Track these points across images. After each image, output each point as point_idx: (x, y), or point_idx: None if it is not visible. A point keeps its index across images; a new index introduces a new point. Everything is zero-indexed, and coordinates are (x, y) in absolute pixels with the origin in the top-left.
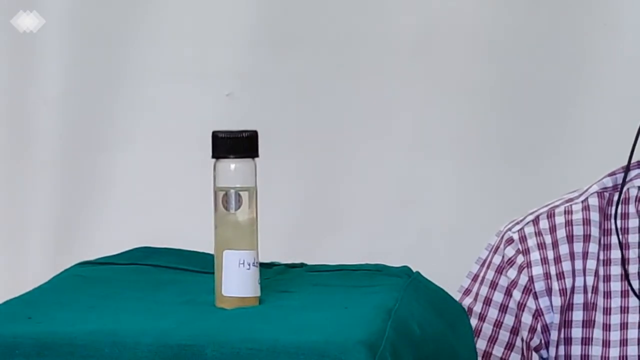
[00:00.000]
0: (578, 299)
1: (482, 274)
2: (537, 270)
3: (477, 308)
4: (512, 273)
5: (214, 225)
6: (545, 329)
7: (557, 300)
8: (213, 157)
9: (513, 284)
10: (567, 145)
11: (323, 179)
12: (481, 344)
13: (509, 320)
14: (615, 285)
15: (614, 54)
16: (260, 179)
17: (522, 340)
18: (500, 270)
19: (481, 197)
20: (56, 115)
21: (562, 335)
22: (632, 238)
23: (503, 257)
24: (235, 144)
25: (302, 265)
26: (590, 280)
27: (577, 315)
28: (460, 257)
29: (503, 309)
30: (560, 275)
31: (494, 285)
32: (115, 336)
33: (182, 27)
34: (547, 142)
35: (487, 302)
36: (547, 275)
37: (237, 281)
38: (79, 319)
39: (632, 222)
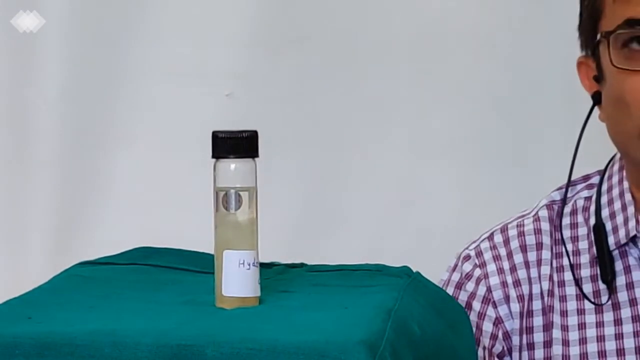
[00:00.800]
0: (536, 305)
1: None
2: (494, 280)
3: None
4: (470, 286)
5: (214, 225)
6: (507, 336)
7: (515, 307)
8: (213, 157)
9: (472, 295)
10: (568, 146)
11: (323, 179)
12: None
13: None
14: (570, 290)
15: None
16: (260, 179)
17: (484, 348)
18: (459, 286)
19: (481, 197)
20: (56, 115)
21: (524, 342)
22: (582, 245)
23: (461, 273)
24: (235, 144)
25: (302, 265)
26: (545, 285)
27: (537, 321)
28: None
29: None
30: (517, 283)
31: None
32: (115, 336)
33: (182, 27)
34: (548, 142)
35: None
36: (504, 284)
37: (237, 281)
38: (79, 319)
39: (581, 230)
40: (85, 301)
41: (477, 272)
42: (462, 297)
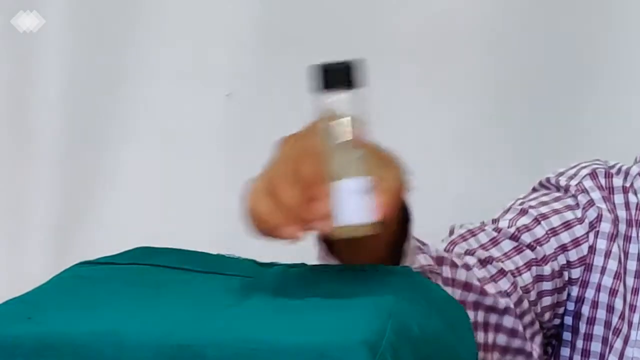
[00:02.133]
0: (630, 265)
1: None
2: (605, 212)
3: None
4: (583, 199)
5: (326, 156)
6: (589, 268)
7: (616, 248)
8: (320, 89)
9: (586, 204)
10: (570, 144)
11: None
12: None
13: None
14: None
15: (618, 52)
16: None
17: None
18: (566, 190)
19: (482, 197)
20: (56, 115)
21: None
22: None
23: (568, 191)
24: (343, 76)
25: (302, 265)
26: (636, 248)
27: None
28: None
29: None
30: (619, 234)
31: (557, 198)
32: (116, 336)
33: (183, 27)
34: (550, 141)
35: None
36: (614, 222)
37: (351, 209)
38: (79, 319)
39: None
40: (86, 301)
41: (585, 198)
42: (567, 200)
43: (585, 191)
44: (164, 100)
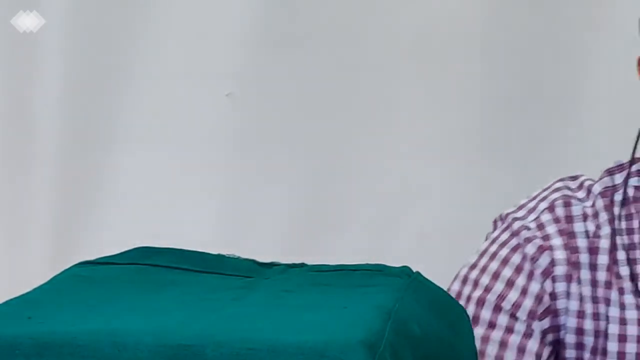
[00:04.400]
0: (595, 292)
1: (492, 250)
2: (559, 254)
3: (484, 280)
4: (530, 249)
5: None
6: (557, 313)
7: (575, 288)
8: None
9: (533, 258)
10: (569, 146)
11: (323, 179)
12: (485, 313)
13: (515, 291)
14: (627, 284)
15: (613, 55)
16: (259, 179)
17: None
18: (516, 249)
19: (482, 197)
20: (57, 115)
21: (576, 325)
22: (637, 238)
23: (519, 239)
24: None
25: (302, 265)
26: (603, 276)
27: (591, 308)
28: (460, 257)
29: (510, 283)
30: (579, 265)
31: (505, 261)
32: (116, 336)
33: (183, 27)
34: (549, 142)
35: (496, 276)
36: (568, 262)
37: None
38: (79, 319)
39: (636, 223)
40: (85, 301)
41: (540, 241)
42: (514, 259)
43: (541, 228)
44: (164, 100)
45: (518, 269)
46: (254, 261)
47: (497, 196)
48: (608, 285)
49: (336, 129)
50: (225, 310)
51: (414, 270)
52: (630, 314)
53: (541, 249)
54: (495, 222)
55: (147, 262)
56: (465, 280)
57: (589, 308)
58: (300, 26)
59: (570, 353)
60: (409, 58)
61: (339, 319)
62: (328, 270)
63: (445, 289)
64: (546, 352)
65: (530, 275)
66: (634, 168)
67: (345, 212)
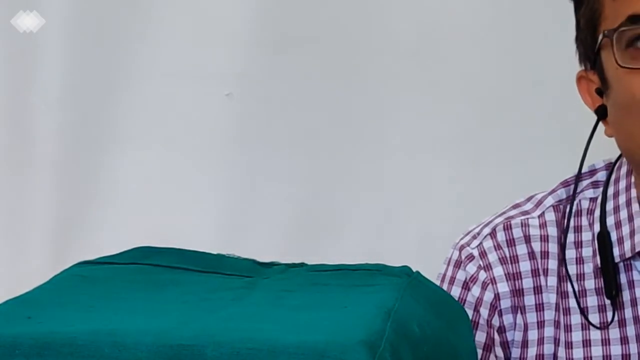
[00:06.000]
0: (540, 316)
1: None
2: (502, 287)
3: None
4: (476, 290)
5: None
6: (506, 345)
7: (520, 318)
8: None
9: (479, 301)
10: (567, 146)
11: (323, 179)
12: None
13: (480, 337)
14: (574, 302)
15: None
16: (259, 179)
17: (496, 357)
18: (465, 287)
19: (481, 198)
20: (57, 115)
21: (524, 354)
22: (586, 252)
23: (466, 274)
24: None
25: (302, 265)
26: (552, 298)
27: (540, 333)
28: None
29: (474, 325)
30: (522, 292)
31: (462, 302)
32: (115, 336)
33: (183, 27)
34: (549, 143)
35: None
36: (512, 293)
37: None
38: (78, 318)
39: (586, 235)
40: (85, 301)
41: (483, 275)
42: (469, 299)
43: (483, 256)
44: (163, 101)
45: (471, 308)
46: (253, 261)
47: (497, 197)
48: (556, 307)
49: (337, 129)
50: (225, 310)
51: (414, 270)
52: (577, 336)
53: (484, 285)
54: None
55: (147, 262)
56: None
57: (532, 335)
58: (300, 26)
59: None
60: (409, 59)
61: (339, 318)
62: (328, 270)
63: (446, 292)
64: None
65: (478, 312)
66: (590, 180)
67: (345, 212)
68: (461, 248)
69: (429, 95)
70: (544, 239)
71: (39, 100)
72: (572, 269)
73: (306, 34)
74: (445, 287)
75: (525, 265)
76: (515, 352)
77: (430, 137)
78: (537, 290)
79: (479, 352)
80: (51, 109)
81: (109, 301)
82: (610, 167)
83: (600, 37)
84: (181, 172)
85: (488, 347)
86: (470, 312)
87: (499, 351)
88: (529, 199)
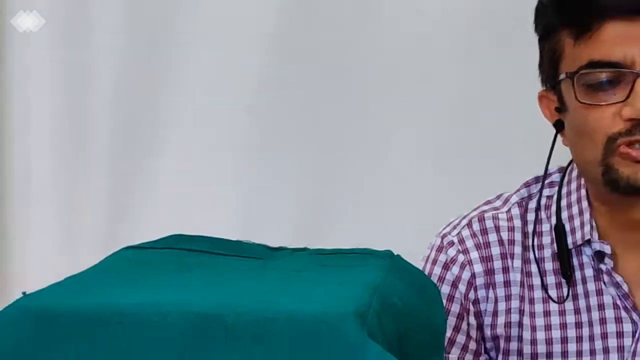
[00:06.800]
0: (508, 291)
1: (429, 270)
2: (477, 267)
3: None
4: (455, 270)
5: None
6: (479, 315)
7: (491, 293)
8: None
9: (457, 278)
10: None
11: (328, 179)
12: None
13: (455, 308)
14: (537, 280)
15: None
16: (274, 180)
17: (468, 324)
18: (446, 267)
19: (481, 197)
20: (106, 124)
21: (494, 322)
22: (545, 240)
23: (447, 256)
24: None
25: (305, 249)
26: (517, 276)
27: (508, 304)
28: None
29: (450, 298)
30: (494, 271)
31: (442, 279)
32: (155, 306)
33: (216, 43)
34: (535, 146)
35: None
36: (485, 272)
37: None
38: (125, 292)
39: (545, 227)
40: (130, 278)
41: (461, 257)
42: (448, 277)
43: (462, 242)
44: (194, 111)
45: (449, 284)
46: (265, 246)
47: (472, 196)
48: (521, 284)
49: (337, 130)
50: (243, 285)
51: (395, 254)
52: (538, 307)
53: (462, 266)
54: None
55: (180, 246)
56: None
57: (501, 306)
58: (308, 41)
59: (489, 344)
60: (407, 68)
61: (335, 292)
62: (326, 253)
63: (422, 272)
64: (473, 344)
65: (457, 288)
66: (546, 181)
67: (344, 208)
68: (443, 236)
69: (428, 99)
70: (511, 229)
71: (96, 107)
72: (532, 255)
73: (312, 53)
74: (428, 267)
75: (495, 250)
76: (487, 320)
77: (429, 138)
78: (505, 270)
79: (453, 320)
80: (104, 115)
81: (148, 278)
82: (563, 171)
83: (563, 75)
84: (209, 174)
85: (461, 315)
86: (448, 288)
87: (472, 319)
88: (498, 197)
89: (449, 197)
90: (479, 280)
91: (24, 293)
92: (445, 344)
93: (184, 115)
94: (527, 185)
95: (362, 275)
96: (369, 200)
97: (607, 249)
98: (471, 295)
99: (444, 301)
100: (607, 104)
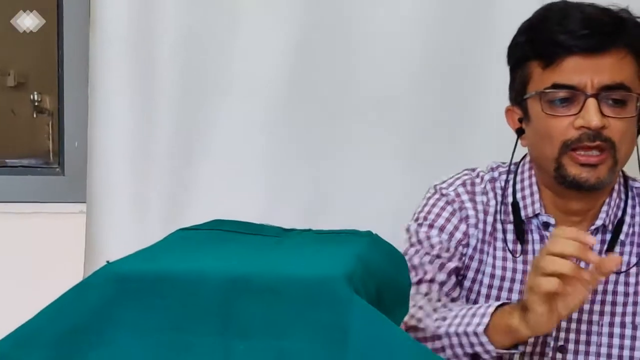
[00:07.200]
0: (481, 243)
1: (432, 204)
2: (470, 212)
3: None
4: (455, 205)
5: None
6: (462, 256)
7: (474, 233)
8: None
9: (453, 212)
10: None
11: (330, 178)
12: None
13: (446, 233)
14: (500, 243)
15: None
16: (287, 178)
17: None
18: (444, 208)
19: (420, 190)
20: (165, 130)
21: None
22: (509, 209)
23: (447, 198)
24: None
25: (309, 230)
26: (488, 232)
27: (477, 255)
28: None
29: (443, 227)
30: (477, 219)
31: (440, 213)
32: (199, 272)
33: (249, 58)
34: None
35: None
36: (475, 217)
37: None
38: (180, 261)
39: (508, 199)
40: (182, 251)
41: (458, 201)
42: (447, 210)
43: (457, 195)
44: (226, 123)
45: (448, 217)
46: (280, 228)
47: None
48: (490, 238)
49: (338, 132)
50: (265, 256)
51: (374, 233)
52: (498, 256)
53: (460, 206)
54: (429, 189)
55: (220, 228)
56: (421, 224)
57: (472, 252)
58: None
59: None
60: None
61: (330, 260)
62: (325, 232)
63: (393, 246)
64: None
65: (454, 219)
66: (505, 169)
67: (341, 202)
68: (441, 188)
69: (428, 102)
70: (488, 200)
71: (157, 111)
72: (499, 217)
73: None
74: (427, 209)
75: (480, 207)
76: (467, 262)
77: (428, 139)
78: (483, 223)
79: (442, 262)
80: (164, 121)
81: (195, 252)
82: (518, 162)
83: (532, 93)
84: (239, 174)
85: (450, 258)
86: (442, 220)
87: (457, 261)
88: (472, 170)
89: (416, 191)
90: (471, 220)
91: (107, 261)
92: (432, 263)
93: (218, 126)
94: (492, 169)
95: (350, 248)
96: (355, 194)
97: (552, 220)
98: (463, 226)
99: (443, 233)
100: (564, 115)
